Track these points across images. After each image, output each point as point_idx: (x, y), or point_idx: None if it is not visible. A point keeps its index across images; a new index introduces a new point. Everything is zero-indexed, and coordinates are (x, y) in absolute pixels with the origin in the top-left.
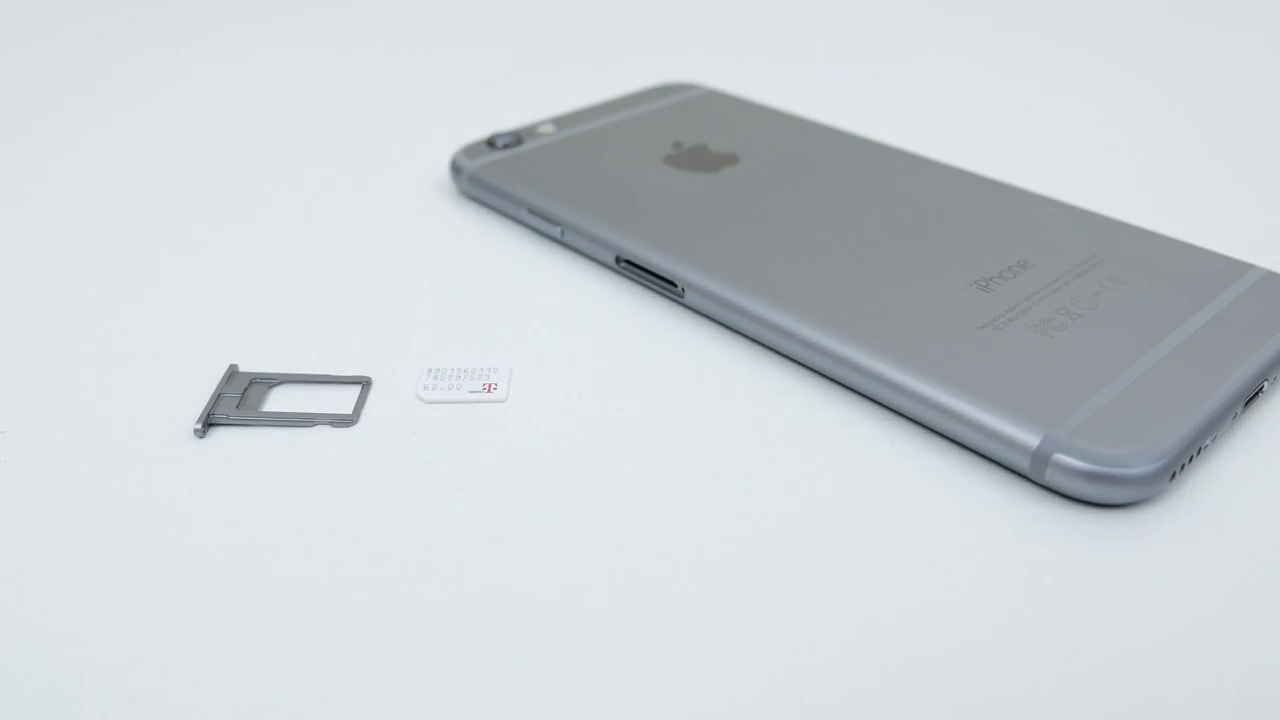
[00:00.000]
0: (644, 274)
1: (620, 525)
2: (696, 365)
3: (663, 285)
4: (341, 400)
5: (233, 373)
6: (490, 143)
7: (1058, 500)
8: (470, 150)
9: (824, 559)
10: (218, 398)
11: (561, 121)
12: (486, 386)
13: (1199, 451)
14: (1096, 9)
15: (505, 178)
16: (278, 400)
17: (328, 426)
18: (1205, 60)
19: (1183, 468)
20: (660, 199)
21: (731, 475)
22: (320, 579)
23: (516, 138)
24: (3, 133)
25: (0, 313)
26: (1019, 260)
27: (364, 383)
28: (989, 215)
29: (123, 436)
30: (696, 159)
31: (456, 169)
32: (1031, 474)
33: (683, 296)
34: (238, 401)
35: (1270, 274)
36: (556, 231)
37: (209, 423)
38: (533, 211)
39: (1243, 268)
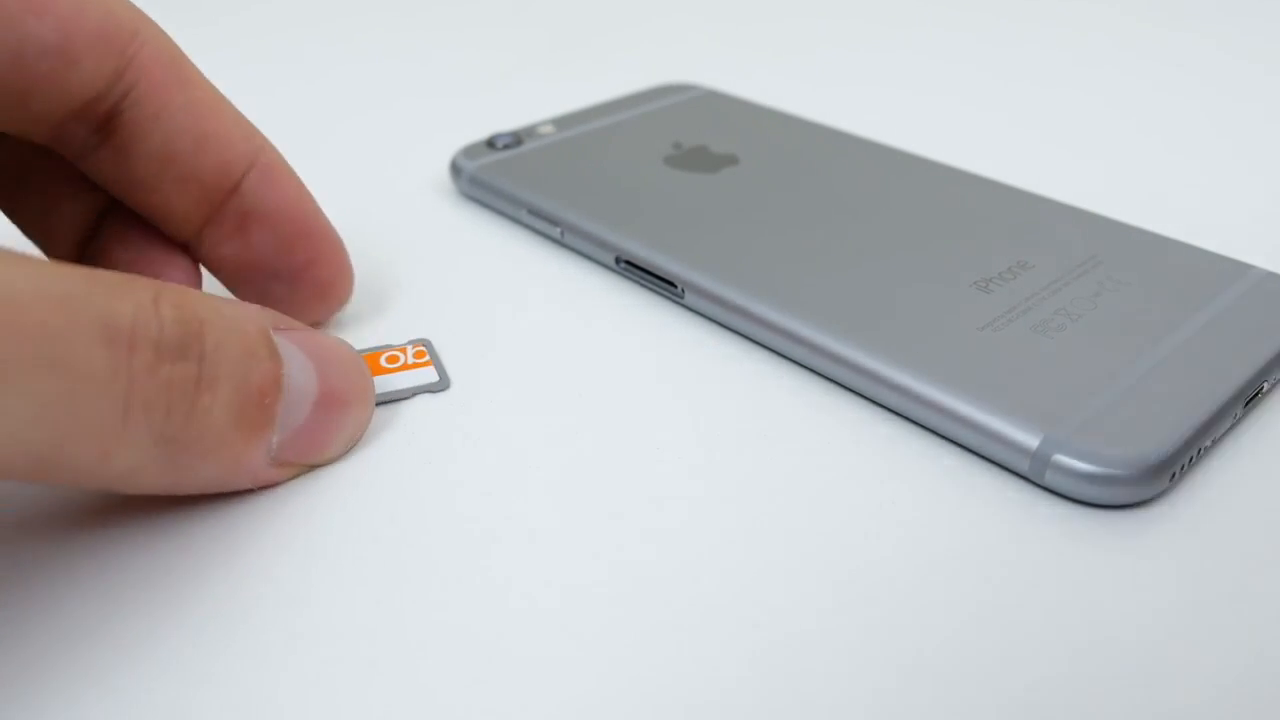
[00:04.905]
0: (644, 274)
1: (619, 526)
2: (696, 366)
3: (662, 286)
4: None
5: None
6: (490, 143)
7: (1057, 501)
8: (470, 151)
9: (823, 559)
10: None
11: (561, 122)
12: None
13: (1199, 452)
14: (1096, 9)
15: (505, 178)
16: None
17: (427, 394)
18: (1205, 59)
19: (1183, 468)
20: (660, 199)
21: (730, 476)
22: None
23: (516, 138)
24: None
25: None
26: (1019, 261)
27: (426, 343)
28: (989, 216)
29: None
30: (696, 159)
31: (456, 169)
32: (1031, 475)
33: (683, 297)
34: None
35: (1270, 274)
36: (556, 232)
37: None
38: (532, 212)
39: (1243, 268)
